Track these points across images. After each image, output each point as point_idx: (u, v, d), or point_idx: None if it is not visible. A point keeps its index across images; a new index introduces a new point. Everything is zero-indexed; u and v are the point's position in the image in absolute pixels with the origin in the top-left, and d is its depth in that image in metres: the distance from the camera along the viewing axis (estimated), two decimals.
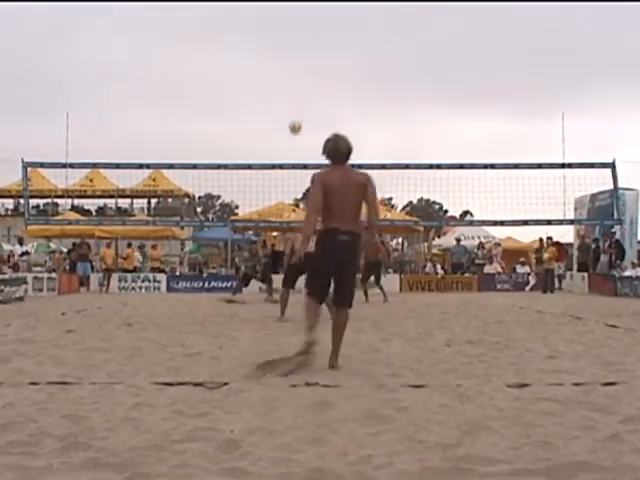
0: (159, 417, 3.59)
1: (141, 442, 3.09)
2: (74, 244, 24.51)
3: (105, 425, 3.41)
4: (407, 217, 35.26)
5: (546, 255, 21.03)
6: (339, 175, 5.07)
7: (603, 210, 20.12)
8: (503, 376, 4.85)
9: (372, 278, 15.27)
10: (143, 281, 21.46)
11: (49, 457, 2.88)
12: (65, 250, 26.85)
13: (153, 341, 7.06)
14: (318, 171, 5.25)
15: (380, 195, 32.30)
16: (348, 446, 3.03)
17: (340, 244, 4.97)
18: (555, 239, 22.81)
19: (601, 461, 2.77)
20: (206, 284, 21.03)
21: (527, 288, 21.57)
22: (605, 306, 13.18)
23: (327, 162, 5.27)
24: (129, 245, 23.72)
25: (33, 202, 34.02)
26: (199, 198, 56.07)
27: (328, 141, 5.17)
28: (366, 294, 14.45)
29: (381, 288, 15.05)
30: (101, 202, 39.89)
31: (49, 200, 37.81)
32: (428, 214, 58.27)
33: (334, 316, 5.31)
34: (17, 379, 4.74)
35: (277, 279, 21.49)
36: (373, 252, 11.13)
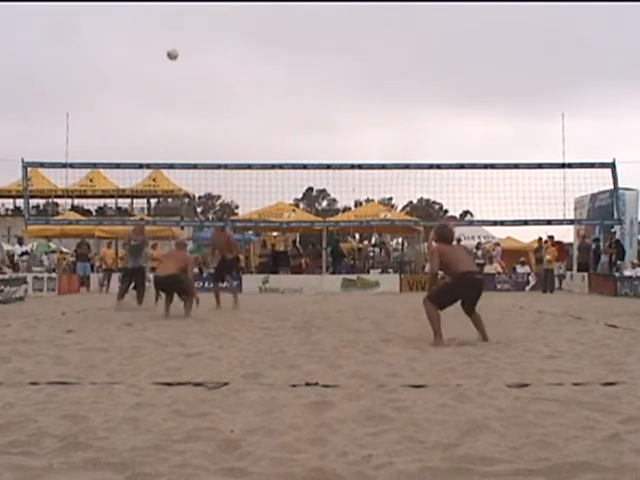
0: (159, 417, 3.59)
1: (141, 442, 3.09)
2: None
3: (105, 425, 3.41)
4: (407, 217, 35.31)
5: (547, 256, 21.03)
6: (450, 245, 7.32)
7: (603, 210, 20.11)
8: (503, 376, 4.85)
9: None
10: None
11: (49, 457, 2.88)
12: (65, 250, 26.87)
13: (153, 341, 7.05)
14: (436, 245, 7.30)
15: (380, 195, 32.45)
16: (348, 446, 3.03)
17: (476, 281, 7.18)
18: (556, 239, 22.80)
19: (601, 461, 2.77)
20: (206, 284, 20.97)
21: (527, 288, 21.58)
22: (605, 306, 13.18)
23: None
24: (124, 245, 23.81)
25: (33, 202, 34.03)
26: (199, 198, 56.11)
27: (442, 228, 7.50)
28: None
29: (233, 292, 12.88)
30: (101, 202, 39.92)
31: (49, 200, 37.81)
32: (428, 214, 58.30)
33: (472, 318, 7.12)
34: (17, 379, 4.74)
35: (278, 278, 21.69)
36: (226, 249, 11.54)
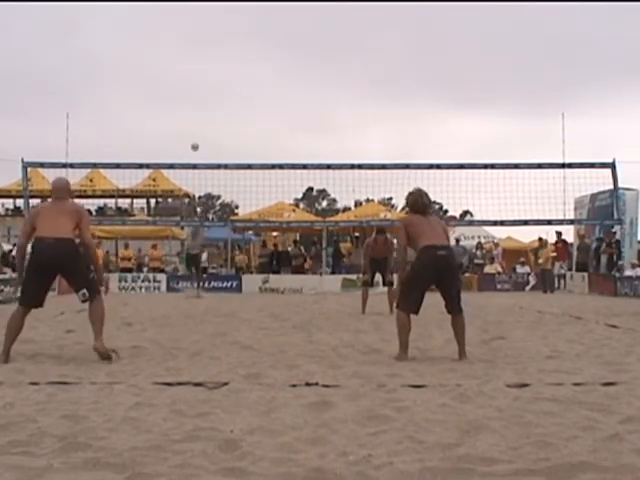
0: (159, 417, 3.59)
1: (141, 442, 3.09)
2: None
3: (105, 425, 3.41)
4: None
5: (540, 259, 21.05)
6: (419, 217, 5.97)
7: (603, 210, 20.12)
8: (503, 376, 4.85)
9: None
10: (143, 281, 21.46)
11: (49, 457, 2.88)
12: None
13: (153, 341, 7.05)
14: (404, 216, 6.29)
15: (380, 195, 32.46)
16: (348, 446, 3.03)
17: (440, 258, 5.73)
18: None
19: (601, 461, 2.77)
20: (206, 284, 21.00)
21: (527, 288, 21.56)
22: (605, 306, 13.18)
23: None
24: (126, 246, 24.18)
25: (33, 202, 33.98)
26: (199, 198, 56.05)
27: (411, 194, 6.08)
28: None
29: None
30: (101, 202, 39.87)
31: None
32: None
33: (453, 323, 5.95)
34: (17, 379, 4.74)
35: (278, 278, 21.64)
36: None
